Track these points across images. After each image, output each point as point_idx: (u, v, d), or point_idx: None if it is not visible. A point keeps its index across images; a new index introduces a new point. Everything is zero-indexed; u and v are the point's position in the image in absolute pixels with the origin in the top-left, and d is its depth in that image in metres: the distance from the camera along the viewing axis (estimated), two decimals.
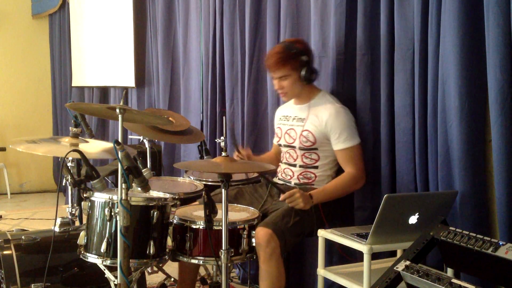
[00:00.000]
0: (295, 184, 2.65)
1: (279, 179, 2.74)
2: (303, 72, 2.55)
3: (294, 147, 2.64)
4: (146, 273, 3.06)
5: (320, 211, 2.50)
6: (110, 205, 2.16)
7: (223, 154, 2.29)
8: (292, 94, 2.65)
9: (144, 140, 3.50)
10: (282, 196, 2.45)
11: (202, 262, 2.34)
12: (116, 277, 2.09)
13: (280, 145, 2.76)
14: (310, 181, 2.63)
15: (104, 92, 5.81)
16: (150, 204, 2.24)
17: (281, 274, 2.33)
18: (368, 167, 2.63)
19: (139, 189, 2.08)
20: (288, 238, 2.37)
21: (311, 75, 2.58)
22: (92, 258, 2.21)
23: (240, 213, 2.49)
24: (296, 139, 2.63)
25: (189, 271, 2.67)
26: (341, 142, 2.52)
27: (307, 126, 2.59)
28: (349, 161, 2.53)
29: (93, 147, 2.63)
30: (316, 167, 2.62)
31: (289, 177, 2.69)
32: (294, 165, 2.66)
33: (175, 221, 2.37)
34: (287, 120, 2.73)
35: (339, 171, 2.64)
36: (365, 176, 2.57)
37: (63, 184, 5.07)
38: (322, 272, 2.33)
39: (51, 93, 6.94)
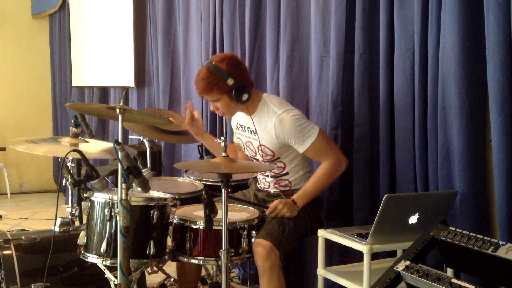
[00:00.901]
0: (274, 192, 2.63)
1: (260, 188, 2.72)
2: (232, 95, 2.41)
3: (258, 159, 2.62)
4: (146, 273, 3.06)
5: (310, 214, 2.50)
6: (110, 205, 2.16)
7: (223, 154, 2.29)
8: (229, 113, 2.54)
9: (144, 140, 3.50)
10: (267, 212, 2.44)
11: (202, 262, 2.34)
12: (116, 277, 2.09)
13: (246, 155, 2.73)
14: (288, 188, 2.60)
15: (104, 92, 5.82)
16: (150, 204, 2.24)
17: (281, 284, 2.32)
18: (367, 167, 2.63)
19: (139, 189, 2.08)
20: (287, 246, 2.36)
21: (241, 97, 2.41)
22: (92, 258, 2.20)
23: (240, 213, 2.49)
24: (256, 153, 2.60)
25: (190, 271, 2.66)
26: (301, 144, 2.45)
27: (261, 141, 2.52)
28: (319, 154, 2.48)
29: (93, 147, 2.63)
30: (287, 174, 2.59)
31: (267, 187, 2.67)
32: (267, 176, 2.63)
33: (175, 221, 2.37)
34: (243, 130, 2.66)
35: (313, 166, 2.64)
36: (343, 156, 2.51)
37: (63, 184, 5.07)
38: (322, 272, 2.33)
39: (51, 93, 6.95)
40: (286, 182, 2.60)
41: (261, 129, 2.51)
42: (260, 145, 2.54)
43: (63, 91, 6.61)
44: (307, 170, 2.62)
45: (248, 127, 2.60)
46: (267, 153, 2.53)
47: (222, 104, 2.48)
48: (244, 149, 2.69)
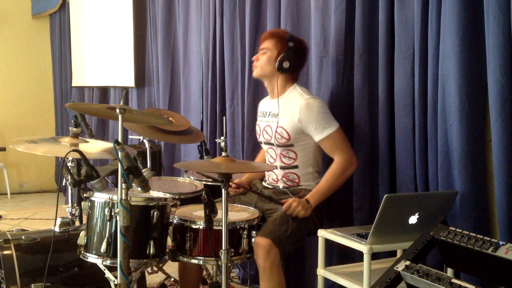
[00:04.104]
0: (283, 187, 2.63)
1: (267, 183, 2.73)
2: (281, 56, 2.56)
3: (272, 144, 2.63)
4: (146, 273, 3.06)
5: (312, 215, 2.50)
6: (110, 205, 2.16)
7: (223, 154, 2.29)
8: (261, 71, 2.64)
9: (144, 140, 3.50)
10: (283, 208, 2.44)
11: (202, 262, 2.34)
12: (116, 277, 2.09)
13: (260, 142, 2.76)
14: (296, 182, 2.61)
15: (104, 92, 5.82)
16: (150, 204, 2.24)
17: (281, 282, 2.32)
18: (367, 167, 2.63)
19: (139, 189, 2.08)
20: (287, 246, 2.37)
21: (283, 63, 2.57)
22: (92, 258, 2.21)
23: (240, 213, 2.49)
24: (272, 136, 2.62)
25: (191, 271, 2.66)
26: (320, 132, 2.49)
27: (280, 123, 2.57)
28: (335, 148, 2.51)
29: (93, 147, 2.63)
30: (296, 167, 2.60)
31: (275, 181, 2.67)
32: (276, 167, 2.64)
33: (175, 221, 2.37)
34: (264, 116, 2.73)
35: (322, 167, 2.65)
36: (355, 157, 2.54)
37: (63, 184, 5.07)
38: (322, 272, 2.33)
39: (53, 93, 6.94)
40: (295, 176, 2.60)
41: (284, 111, 2.57)
42: (278, 126, 2.56)
43: (63, 91, 6.61)
44: (316, 170, 2.63)
45: (270, 112, 2.67)
46: (283, 136, 2.55)
47: (266, 57, 2.61)
48: (260, 135, 2.73)
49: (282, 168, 2.62)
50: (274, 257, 2.28)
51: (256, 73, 2.68)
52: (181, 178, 3.07)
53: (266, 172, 2.74)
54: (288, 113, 2.55)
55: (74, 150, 2.26)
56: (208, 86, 3.88)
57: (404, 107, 2.40)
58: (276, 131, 2.58)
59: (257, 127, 2.79)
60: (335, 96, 2.75)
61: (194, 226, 2.32)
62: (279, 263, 2.32)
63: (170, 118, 2.74)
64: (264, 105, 2.79)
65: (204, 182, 2.89)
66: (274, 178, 2.67)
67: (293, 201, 2.44)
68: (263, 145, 2.75)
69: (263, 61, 2.62)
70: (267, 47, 2.62)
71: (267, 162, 2.72)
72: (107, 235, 2.17)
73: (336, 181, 2.51)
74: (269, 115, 2.68)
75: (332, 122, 2.51)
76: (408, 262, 1.77)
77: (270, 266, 2.27)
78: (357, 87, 2.64)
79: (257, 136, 2.79)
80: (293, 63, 2.60)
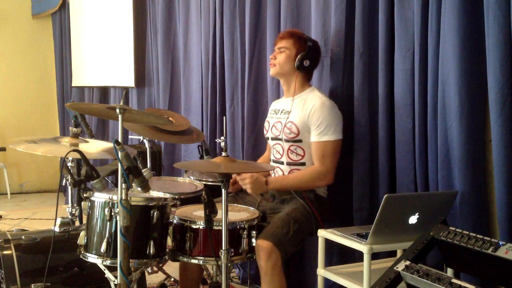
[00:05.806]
0: None
1: None
2: (301, 54, 2.60)
3: (280, 139, 2.65)
4: (146, 273, 3.06)
5: (315, 214, 2.50)
6: (110, 205, 2.16)
7: (223, 154, 2.29)
8: (280, 69, 2.66)
9: (144, 140, 3.50)
10: (236, 177, 2.50)
11: (202, 262, 2.34)
12: (116, 277, 2.09)
13: (268, 138, 2.77)
14: None
15: (104, 92, 5.82)
16: (150, 204, 2.24)
17: (282, 286, 2.32)
18: (367, 167, 2.63)
19: (139, 189, 2.08)
20: (289, 248, 2.37)
21: (303, 62, 2.60)
22: (92, 258, 2.20)
23: (240, 213, 2.49)
24: (281, 131, 2.63)
25: (192, 271, 2.66)
26: (317, 134, 2.51)
27: (291, 118, 2.59)
28: (320, 156, 2.51)
29: (93, 147, 2.63)
30: (304, 164, 2.60)
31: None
32: (282, 163, 2.65)
33: (175, 221, 2.37)
34: (275, 113, 2.75)
35: None
36: (333, 175, 2.55)
37: (63, 184, 5.07)
38: (322, 272, 2.33)
39: (57, 93, 6.94)
40: None
41: (297, 108, 2.60)
42: (288, 121, 2.59)
43: (64, 91, 6.62)
44: None
45: (283, 109, 2.70)
46: (292, 130, 2.57)
47: (284, 56, 2.64)
48: (268, 131, 2.75)
49: (288, 164, 2.63)
50: (276, 260, 2.28)
51: (274, 71, 2.69)
52: (181, 178, 3.07)
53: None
54: (302, 110, 2.57)
55: (74, 150, 2.26)
56: (208, 86, 3.88)
57: (404, 107, 2.40)
58: (285, 126, 2.60)
59: (266, 124, 2.81)
60: (335, 96, 2.75)
61: (194, 226, 2.32)
62: (280, 266, 2.32)
63: (170, 118, 2.74)
64: (278, 104, 2.82)
65: (204, 182, 2.89)
66: (280, 175, 2.67)
67: (250, 177, 2.48)
68: (270, 141, 2.76)
69: (282, 59, 2.64)
70: (285, 46, 2.64)
71: (273, 158, 2.73)
72: (107, 235, 2.17)
73: (303, 184, 2.53)
74: (281, 112, 2.71)
75: (336, 132, 2.52)
76: (408, 262, 1.77)
77: (271, 269, 2.27)
78: (357, 87, 2.64)
79: (265, 132, 2.81)
80: (313, 62, 2.67)
